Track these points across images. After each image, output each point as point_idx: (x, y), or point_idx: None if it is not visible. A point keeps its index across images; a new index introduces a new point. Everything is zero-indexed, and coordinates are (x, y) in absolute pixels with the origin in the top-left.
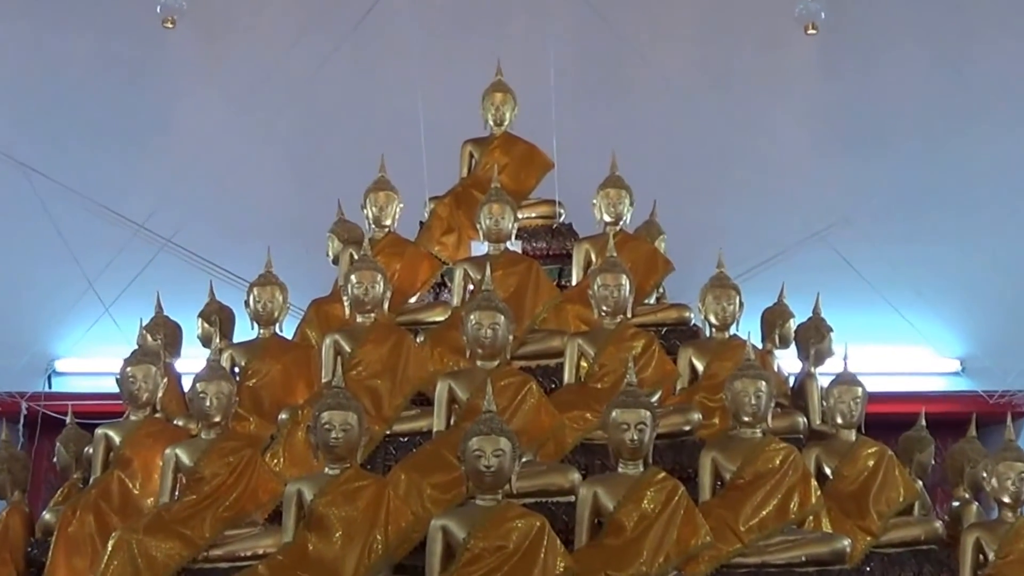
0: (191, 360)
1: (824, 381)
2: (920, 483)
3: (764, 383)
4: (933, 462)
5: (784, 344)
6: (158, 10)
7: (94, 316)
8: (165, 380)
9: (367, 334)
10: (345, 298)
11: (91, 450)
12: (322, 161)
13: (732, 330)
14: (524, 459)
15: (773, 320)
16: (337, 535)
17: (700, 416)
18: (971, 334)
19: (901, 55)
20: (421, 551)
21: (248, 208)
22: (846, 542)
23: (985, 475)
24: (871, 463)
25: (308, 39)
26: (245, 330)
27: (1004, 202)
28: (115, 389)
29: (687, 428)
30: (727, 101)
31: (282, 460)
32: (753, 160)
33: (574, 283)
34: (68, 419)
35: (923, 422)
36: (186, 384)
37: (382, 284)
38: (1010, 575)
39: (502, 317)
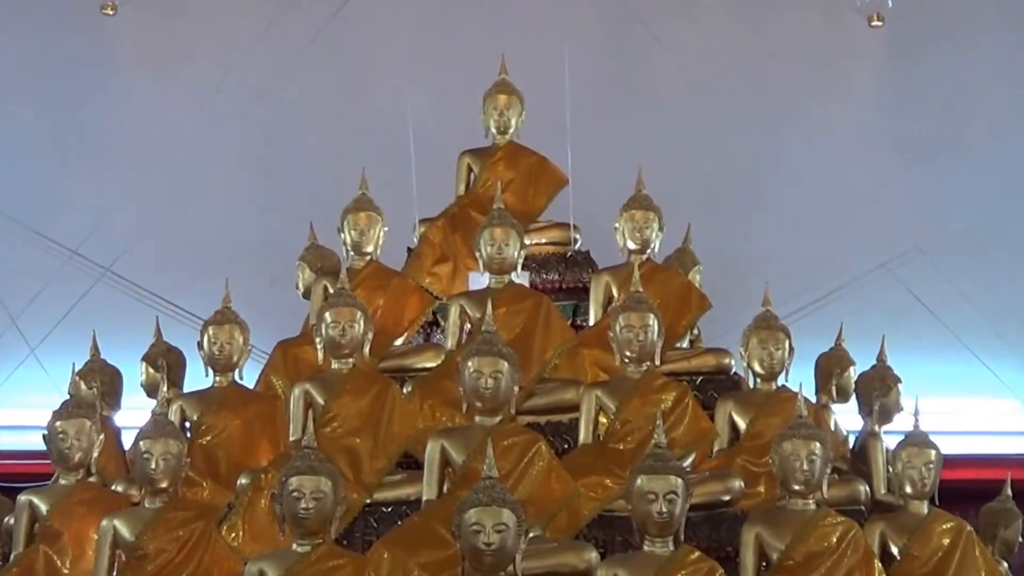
0: (133, 413)
1: (891, 442)
2: (1005, 565)
3: (818, 444)
4: (1021, 539)
5: (843, 397)
6: None
7: (17, 359)
8: (102, 437)
9: (344, 383)
10: (318, 340)
11: (12, 520)
12: (291, 175)
13: (780, 380)
14: (531, 534)
15: (830, 368)
16: None
17: (742, 483)
18: None
19: (982, 47)
20: None
21: (202, 231)
22: None
23: None
24: (946, 541)
25: (277, 29)
26: (198, 377)
27: None
28: (42, 446)
29: (726, 498)
30: (773, 104)
31: (241, 534)
32: (805, 176)
33: (592, 323)
34: None
35: (1009, 491)
36: (127, 442)
37: (362, 323)
38: None
39: (505, 364)
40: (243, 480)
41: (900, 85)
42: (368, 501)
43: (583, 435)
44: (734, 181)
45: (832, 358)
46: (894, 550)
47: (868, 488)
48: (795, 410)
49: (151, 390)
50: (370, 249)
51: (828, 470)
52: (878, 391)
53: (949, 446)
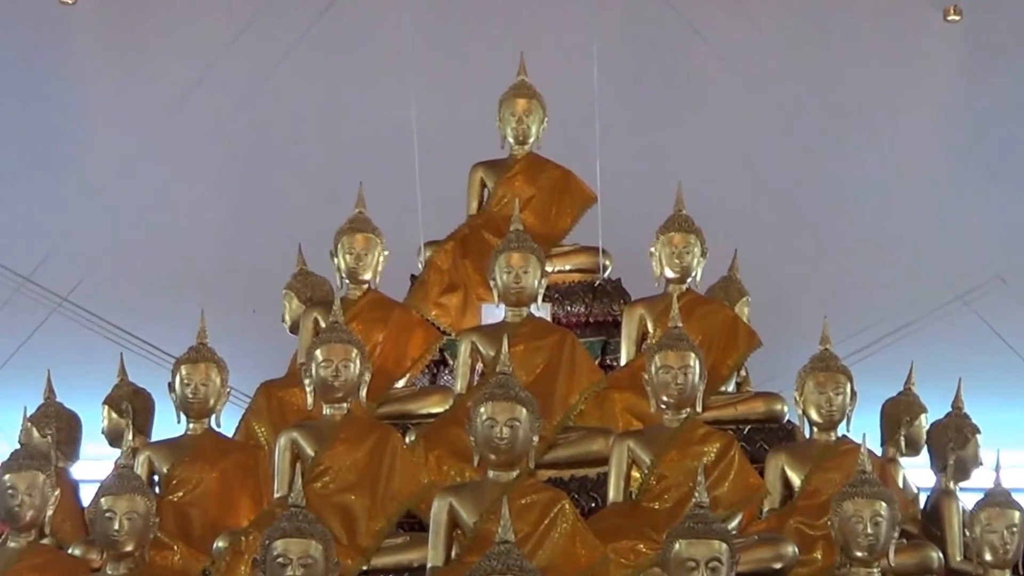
0: (93, 464)
1: (968, 501)
2: None
3: (884, 504)
4: None
5: (913, 450)
6: None
7: None
8: (57, 492)
9: (337, 432)
10: (307, 381)
11: None
12: (277, 191)
13: (841, 429)
14: None
15: (898, 416)
16: None
17: (796, 549)
18: None
19: None
20: None
21: (174, 255)
22: None
23: None
24: None
25: (259, 26)
26: (168, 423)
27: None
28: None
29: (778, 565)
30: (835, 113)
31: None
32: (871, 195)
33: (623, 363)
34: None
35: None
36: (86, 498)
37: (358, 362)
38: None
39: (523, 410)
40: (220, 543)
41: (980, 93)
42: (364, 568)
43: (613, 492)
44: (788, 200)
45: (900, 404)
46: None
47: (942, 555)
48: (858, 464)
49: (114, 438)
50: (368, 276)
51: (896, 534)
52: (954, 442)
53: None
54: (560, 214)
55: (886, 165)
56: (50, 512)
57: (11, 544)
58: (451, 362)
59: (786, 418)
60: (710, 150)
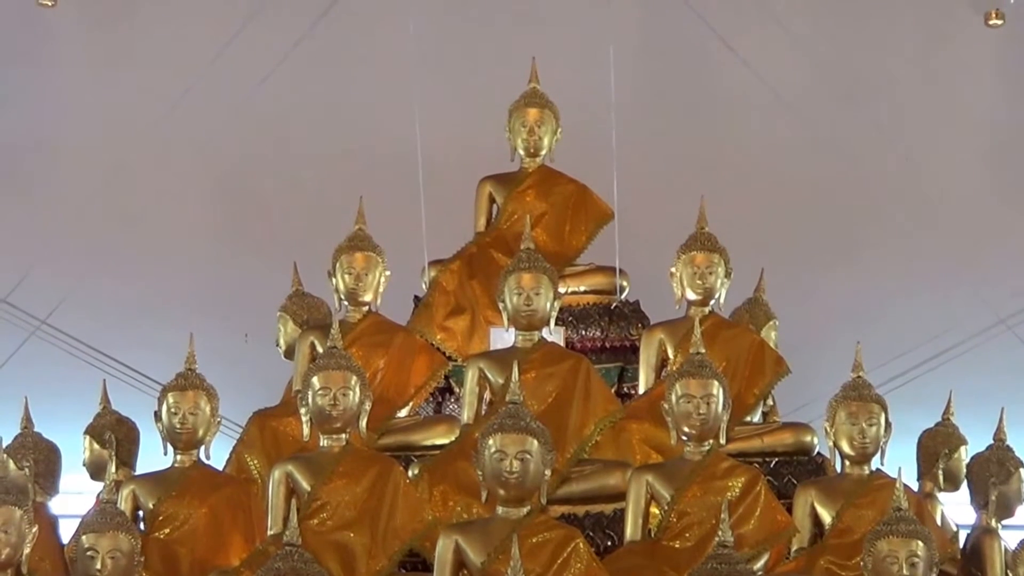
0: (74, 498)
1: (1011, 539)
2: None
3: (921, 543)
4: None
5: (952, 484)
6: None
7: None
8: (35, 529)
9: (335, 464)
10: (303, 410)
11: None
12: (270, 206)
13: (875, 463)
14: None
15: (936, 448)
16: None
17: None
18: None
19: None
20: None
21: (160, 275)
22: None
23: None
24: None
25: (254, 29)
26: (154, 455)
27: None
28: None
29: None
30: (868, 123)
31: None
32: (904, 210)
33: (641, 391)
34: None
35: None
36: (66, 534)
37: (358, 390)
38: None
39: (535, 442)
40: None
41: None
42: None
43: (631, 530)
44: (819, 216)
45: (939, 436)
46: None
47: None
48: (892, 500)
49: (96, 470)
50: (368, 297)
51: (933, 574)
52: (996, 477)
53: None
54: (574, 231)
55: (923, 180)
56: (27, 550)
57: None
58: (457, 390)
59: (816, 451)
60: (735, 163)
